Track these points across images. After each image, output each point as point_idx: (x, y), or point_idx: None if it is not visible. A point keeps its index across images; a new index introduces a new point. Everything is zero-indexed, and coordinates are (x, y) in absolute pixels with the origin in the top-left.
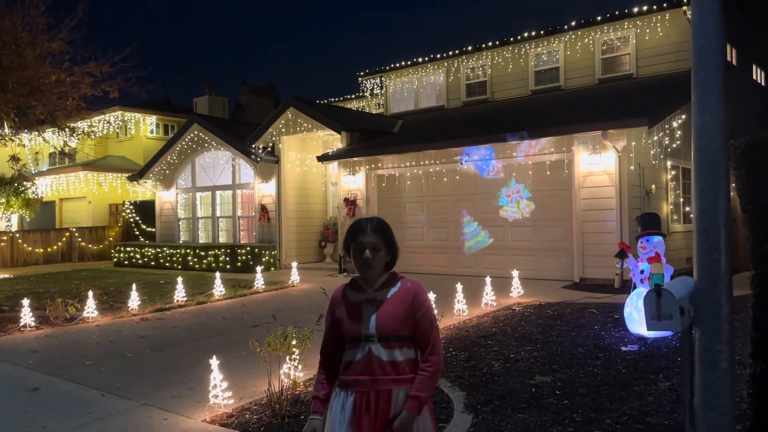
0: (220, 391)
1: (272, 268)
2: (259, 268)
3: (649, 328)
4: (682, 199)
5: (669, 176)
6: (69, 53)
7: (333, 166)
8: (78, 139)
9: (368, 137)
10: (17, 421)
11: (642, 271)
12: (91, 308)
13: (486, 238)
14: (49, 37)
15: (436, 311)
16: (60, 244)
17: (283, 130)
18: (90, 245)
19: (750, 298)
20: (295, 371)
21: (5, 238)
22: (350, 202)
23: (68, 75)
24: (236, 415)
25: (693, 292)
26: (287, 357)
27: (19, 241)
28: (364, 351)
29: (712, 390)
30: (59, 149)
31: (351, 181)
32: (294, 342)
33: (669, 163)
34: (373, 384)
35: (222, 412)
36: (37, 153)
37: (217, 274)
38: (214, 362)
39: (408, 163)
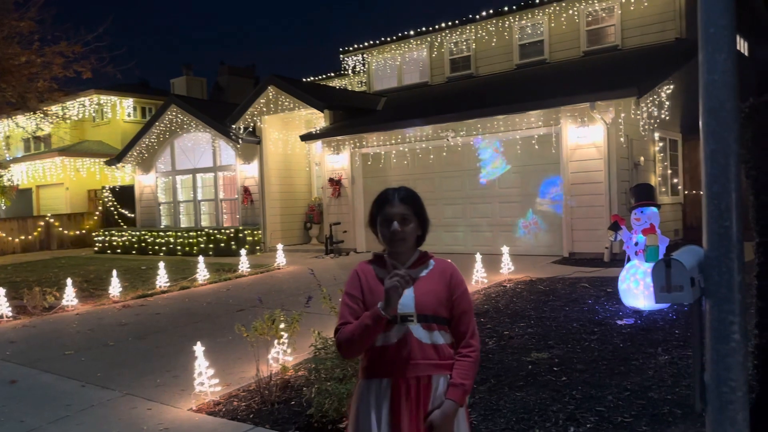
0: (206, 379)
1: (257, 251)
2: (243, 251)
3: (658, 301)
4: (669, 171)
5: (657, 148)
6: (39, 33)
7: (317, 145)
8: (51, 122)
9: (352, 115)
10: None
11: (636, 243)
12: (70, 296)
13: (504, 164)
14: (18, 16)
15: None
16: (38, 232)
17: (264, 109)
18: (69, 232)
19: (754, 267)
20: (284, 355)
21: None
22: (335, 182)
23: (38, 56)
24: (224, 402)
25: (703, 262)
26: (275, 341)
27: None
28: (401, 332)
29: (724, 364)
30: (32, 133)
31: (335, 161)
32: (282, 325)
33: (657, 135)
34: (413, 369)
35: (209, 399)
36: (8, 137)
37: (200, 258)
38: (199, 348)
39: (393, 141)
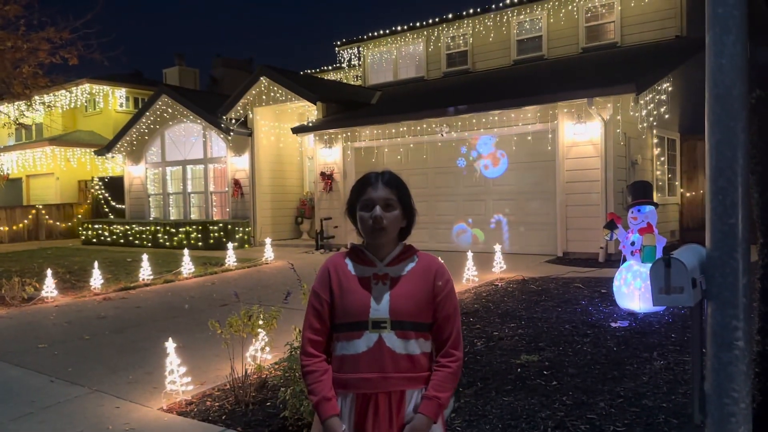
0: (178, 377)
1: (246, 245)
2: (230, 245)
3: (656, 303)
4: (667, 171)
5: (655, 147)
6: (25, 17)
7: (309, 139)
8: (37, 109)
9: (345, 109)
10: None
11: (633, 243)
12: (50, 288)
13: (499, 161)
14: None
15: None
16: (26, 221)
17: (256, 100)
18: (58, 223)
19: (757, 269)
20: (262, 353)
21: None
22: (327, 177)
23: (25, 41)
24: (196, 402)
25: (705, 262)
26: (253, 339)
27: None
28: (371, 341)
29: (726, 373)
30: (15, 120)
31: (327, 155)
32: (260, 322)
33: (655, 134)
34: (383, 384)
35: (180, 399)
36: (3, 126)
37: (186, 251)
38: (171, 345)
39: (386, 135)
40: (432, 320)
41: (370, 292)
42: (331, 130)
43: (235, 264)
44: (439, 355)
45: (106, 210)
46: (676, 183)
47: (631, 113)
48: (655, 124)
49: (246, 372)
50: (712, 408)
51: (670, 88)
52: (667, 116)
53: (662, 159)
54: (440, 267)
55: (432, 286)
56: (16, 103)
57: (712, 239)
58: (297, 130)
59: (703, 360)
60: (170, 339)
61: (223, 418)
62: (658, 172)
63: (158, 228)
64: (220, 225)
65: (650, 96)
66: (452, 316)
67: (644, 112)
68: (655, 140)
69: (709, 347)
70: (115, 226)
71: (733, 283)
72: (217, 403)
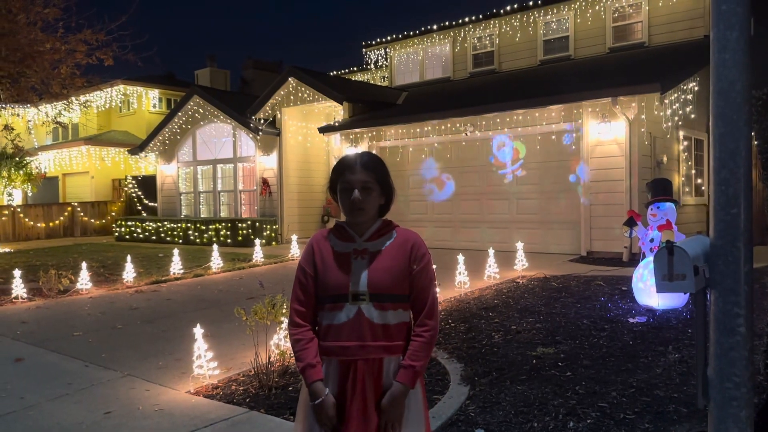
0: (205, 362)
1: (273, 243)
2: (258, 242)
3: (660, 290)
4: (694, 172)
5: (681, 147)
6: (63, 20)
7: (335, 138)
8: (74, 109)
9: (371, 109)
10: None
11: (652, 240)
12: (85, 280)
13: (523, 161)
14: (43, 2)
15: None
16: (62, 218)
17: (284, 101)
18: (92, 220)
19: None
20: (285, 341)
21: (6, 212)
22: None
23: (63, 43)
24: (222, 386)
25: (709, 251)
26: (277, 327)
27: (21, 215)
28: (351, 312)
29: (728, 358)
30: (53, 119)
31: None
32: (284, 310)
33: (681, 134)
34: (362, 351)
35: (207, 383)
36: (42, 124)
37: (215, 248)
38: (198, 331)
39: (411, 135)
40: (408, 292)
41: (350, 267)
42: (357, 130)
43: (262, 260)
44: (415, 324)
45: (139, 208)
46: (703, 183)
47: (657, 113)
48: (680, 123)
49: (269, 358)
50: (714, 392)
51: (696, 88)
52: (693, 116)
53: (689, 159)
54: (416, 240)
55: (409, 259)
56: (54, 104)
57: (715, 229)
58: (324, 130)
59: (706, 346)
60: (198, 325)
61: (247, 400)
62: (685, 172)
63: (189, 225)
64: (249, 222)
65: (676, 95)
66: (427, 287)
67: (669, 112)
68: (682, 140)
69: (711, 333)
70: (147, 224)
71: (736, 271)
72: (241, 387)
